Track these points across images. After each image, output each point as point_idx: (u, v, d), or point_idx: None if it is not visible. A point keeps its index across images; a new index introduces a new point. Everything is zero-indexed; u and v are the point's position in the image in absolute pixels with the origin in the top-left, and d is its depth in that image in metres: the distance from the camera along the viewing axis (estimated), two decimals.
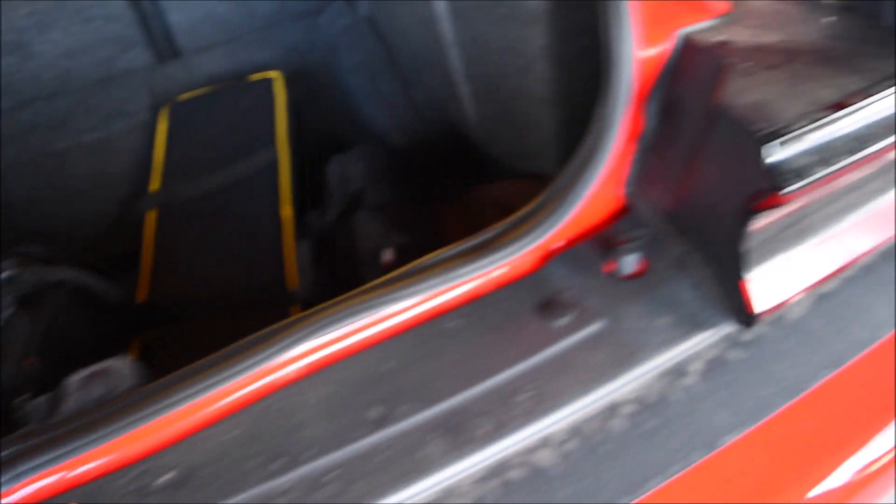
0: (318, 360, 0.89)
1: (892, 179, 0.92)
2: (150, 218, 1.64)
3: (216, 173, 1.70)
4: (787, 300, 0.88)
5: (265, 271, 1.43)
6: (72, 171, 1.93)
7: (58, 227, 1.83)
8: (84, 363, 1.30)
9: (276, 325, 0.91)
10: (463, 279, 0.92)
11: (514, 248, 0.94)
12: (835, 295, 0.91)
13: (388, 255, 1.36)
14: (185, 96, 1.96)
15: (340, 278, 1.39)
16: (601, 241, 0.97)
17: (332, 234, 1.47)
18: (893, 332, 0.90)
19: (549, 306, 0.90)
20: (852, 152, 0.77)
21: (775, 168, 0.75)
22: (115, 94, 2.07)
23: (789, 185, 0.74)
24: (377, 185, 1.49)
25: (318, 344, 0.88)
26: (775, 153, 0.75)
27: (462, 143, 1.65)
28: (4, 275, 1.25)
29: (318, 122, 1.95)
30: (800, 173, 0.75)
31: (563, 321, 0.88)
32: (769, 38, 0.90)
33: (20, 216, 1.85)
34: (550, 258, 0.96)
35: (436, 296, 0.92)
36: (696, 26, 0.92)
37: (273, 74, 1.91)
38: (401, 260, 1.37)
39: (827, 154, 0.76)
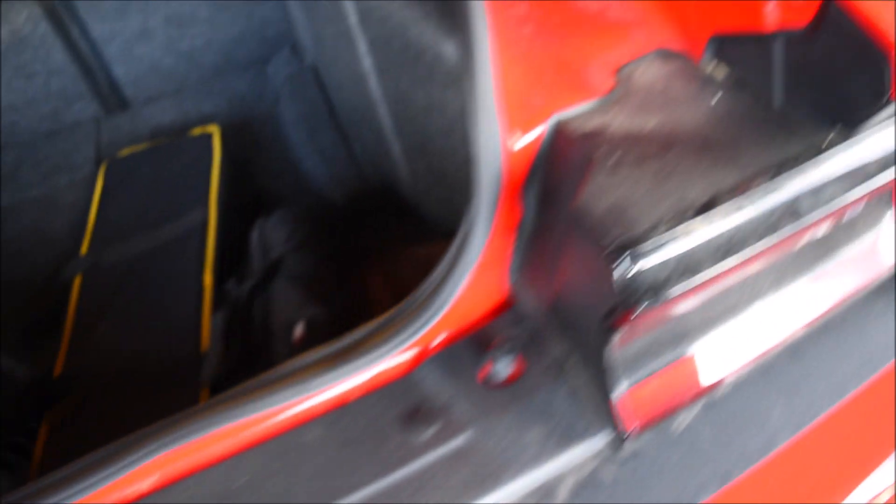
0: (166, 475, 0.83)
1: (789, 272, 0.85)
2: (76, 284, 1.60)
3: (145, 236, 1.65)
4: (671, 409, 0.81)
5: (180, 345, 1.38)
6: (13, 228, 1.89)
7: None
8: None
9: (129, 437, 0.85)
10: (325, 386, 0.85)
11: (383, 350, 0.87)
12: (726, 401, 0.84)
13: (298, 331, 1.30)
14: (124, 152, 1.92)
15: (253, 353, 1.33)
16: (480, 338, 0.90)
17: (247, 304, 1.41)
18: (791, 437, 0.83)
19: (413, 416, 0.84)
20: (721, 259, 0.70)
21: (627, 285, 0.68)
22: (61, 146, 2.04)
23: (642, 304, 0.67)
24: (297, 252, 1.43)
25: (166, 457, 0.82)
26: (626, 268, 0.68)
27: (396, 199, 1.59)
28: None
29: (259, 176, 1.90)
30: (657, 289, 0.68)
31: (426, 434, 0.82)
32: (649, 122, 0.83)
33: None
34: (425, 359, 0.90)
35: (295, 405, 0.86)
36: (571, 111, 0.85)
37: (212, 129, 1.87)
38: (311, 334, 1.32)
39: (691, 264, 0.69)
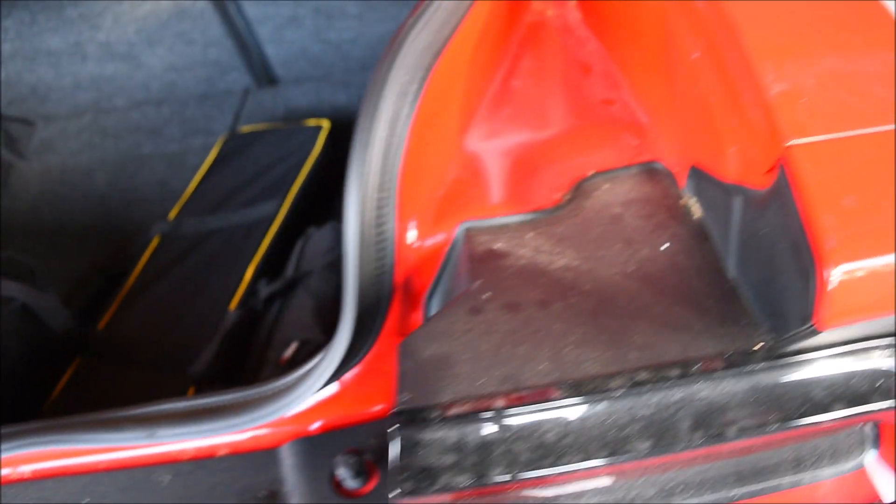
0: (39, 471, 0.86)
1: None
2: (152, 244, 1.71)
3: (226, 214, 1.72)
4: None
5: (199, 331, 1.42)
6: (143, 178, 2.07)
7: (106, 227, 1.97)
8: (9, 378, 1.39)
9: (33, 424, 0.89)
10: (194, 437, 0.83)
11: (259, 415, 0.83)
12: None
13: (288, 351, 1.29)
14: (244, 129, 2.02)
15: (247, 360, 1.34)
16: (352, 435, 0.82)
17: (262, 309, 1.42)
18: None
19: (258, 496, 0.79)
20: (526, 465, 0.57)
21: (396, 463, 0.57)
22: (207, 110, 2.19)
23: (401, 489, 0.56)
24: (326, 270, 1.41)
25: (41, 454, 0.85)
26: (396, 439, 0.57)
27: None
28: None
29: None
30: (430, 477, 0.56)
31: None
32: (561, 259, 0.69)
33: (86, 208, 2.02)
34: (296, 438, 0.84)
35: (161, 445, 0.84)
36: (487, 221, 0.74)
37: (323, 123, 1.90)
38: (298, 357, 1.30)
39: (483, 458, 0.57)
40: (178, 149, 2.14)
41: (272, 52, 2.16)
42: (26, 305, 1.41)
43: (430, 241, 0.76)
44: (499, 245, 0.71)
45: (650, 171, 0.78)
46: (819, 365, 0.58)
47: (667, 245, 0.69)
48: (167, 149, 2.15)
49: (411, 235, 0.76)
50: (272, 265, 1.57)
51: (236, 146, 1.95)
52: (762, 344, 0.58)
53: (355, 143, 0.70)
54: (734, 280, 0.65)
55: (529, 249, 0.70)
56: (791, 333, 0.55)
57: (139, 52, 2.13)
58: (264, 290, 1.45)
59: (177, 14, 2.04)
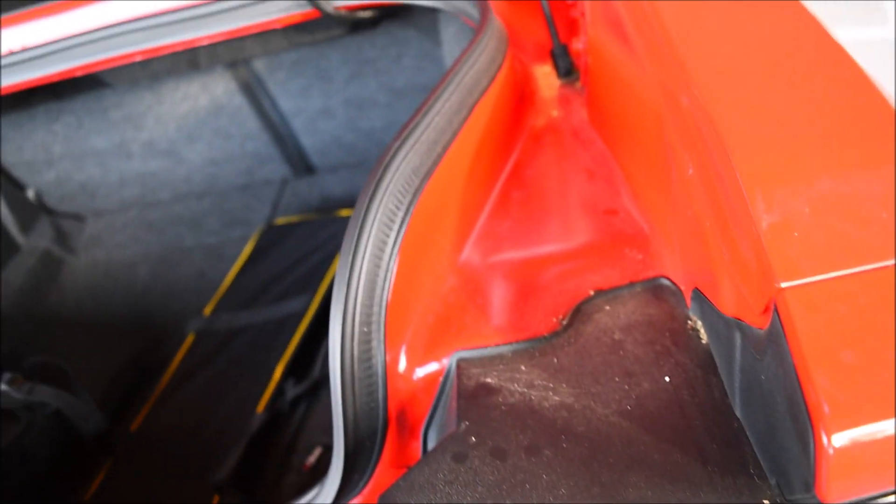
0: None
1: None
2: (188, 341, 1.72)
3: (260, 309, 1.73)
4: None
5: (227, 434, 1.41)
6: (183, 271, 2.10)
7: (145, 321, 2.00)
8: (39, 484, 1.40)
9: None
10: None
11: None
12: None
13: (312, 458, 1.26)
14: (279, 221, 2.04)
15: (270, 464, 1.32)
16: None
17: (289, 411, 1.40)
18: None
19: None
20: None
21: None
22: (246, 201, 2.23)
23: None
24: None
25: None
26: None
27: None
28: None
29: None
30: None
31: None
32: (555, 395, 0.65)
33: (127, 302, 2.06)
34: None
35: None
36: (479, 351, 0.70)
37: None
38: (321, 465, 1.27)
39: None
40: (218, 241, 2.18)
41: (307, 142, 2.20)
42: (60, 411, 1.43)
43: (422, 372, 0.73)
44: (490, 380, 0.67)
45: (655, 289, 0.73)
46: None
47: (668, 378, 0.64)
48: (207, 241, 2.19)
49: (403, 366, 0.73)
50: (302, 363, 1.55)
51: (271, 239, 1.97)
52: None
53: (337, 279, 0.68)
54: (741, 420, 0.59)
55: (522, 384, 0.66)
56: (796, 497, 0.49)
57: (180, 148, 2.19)
58: (291, 391, 1.43)
59: (214, 111, 2.11)
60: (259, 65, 2.02)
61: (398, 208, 0.72)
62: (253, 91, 2.07)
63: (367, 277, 0.69)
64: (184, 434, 1.46)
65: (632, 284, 0.74)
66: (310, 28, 1.67)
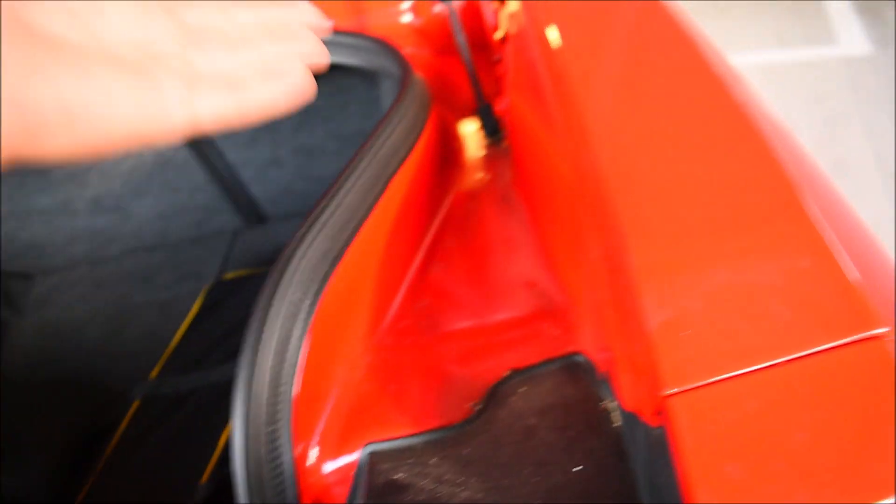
0: None
1: None
2: (132, 409, 1.68)
3: (207, 370, 1.69)
4: None
5: None
6: (133, 329, 2.06)
7: (92, 386, 1.95)
8: None
9: None
10: None
11: None
12: None
13: None
14: (228, 276, 2.01)
15: None
16: None
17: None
18: None
19: None
20: None
21: None
22: (198, 254, 2.20)
23: None
24: None
25: None
26: None
27: None
28: None
29: None
30: None
31: None
32: (463, 490, 0.63)
33: (75, 365, 2.01)
34: None
35: None
36: (390, 443, 0.68)
37: None
38: None
39: None
40: (169, 296, 2.14)
41: (258, 192, 2.18)
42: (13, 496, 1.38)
43: (334, 466, 0.70)
44: (399, 476, 0.65)
45: (571, 366, 0.72)
46: None
47: (580, 468, 0.62)
48: (158, 296, 2.15)
49: (314, 460, 0.70)
50: None
51: (220, 295, 1.94)
52: None
53: (238, 380, 0.65)
54: None
55: (431, 480, 0.64)
56: None
57: (127, 203, 2.16)
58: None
59: (160, 165, 2.08)
60: None
61: (304, 298, 0.70)
62: (198, 144, 2.05)
63: (272, 374, 0.67)
64: None
65: (548, 362, 0.73)
66: None
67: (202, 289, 2.04)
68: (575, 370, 0.71)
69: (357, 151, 0.85)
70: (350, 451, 0.70)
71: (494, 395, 0.71)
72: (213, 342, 1.76)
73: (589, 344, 0.72)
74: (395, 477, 0.65)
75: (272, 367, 0.67)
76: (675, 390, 0.48)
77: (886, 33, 3.88)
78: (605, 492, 0.60)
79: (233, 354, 1.59)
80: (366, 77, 1.94)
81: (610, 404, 0.67)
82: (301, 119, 2.02)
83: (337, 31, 1.21)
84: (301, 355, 0.69)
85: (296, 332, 0.69)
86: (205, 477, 1.38)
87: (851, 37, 3.94)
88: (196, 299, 2.01)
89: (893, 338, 0.49)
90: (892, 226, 2.66)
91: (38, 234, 2.25)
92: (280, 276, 0.70)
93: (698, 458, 0.45)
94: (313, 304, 0.70)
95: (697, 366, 0.48)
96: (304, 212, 2.05)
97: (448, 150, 1.04)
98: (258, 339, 0.66)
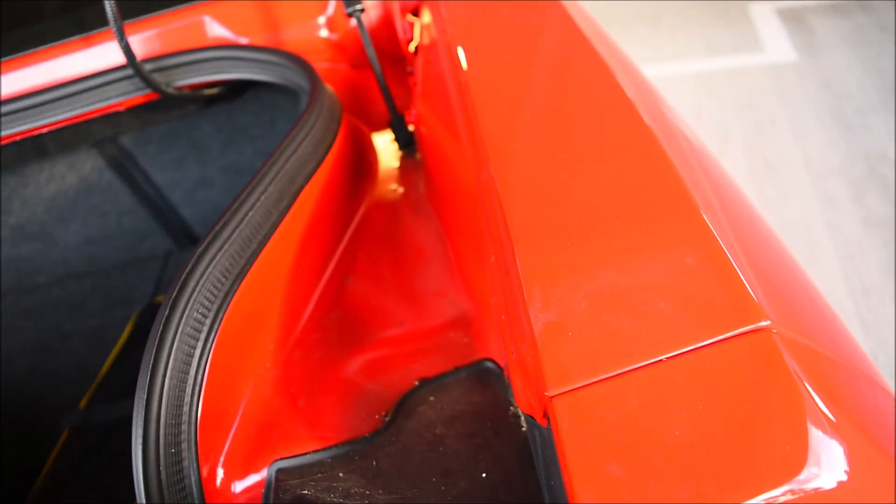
0: None
1: None
2: (61, 440, 1.62)
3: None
4: None
5: None
6: (62, 360, 2.00)
7: (21, 420, 1.88)
8: None
9: None
10: None
11: None
12: None
13: None
14: (160, 299, 1.96)
15: None
16: None
17: None
18: None
19: None
20: None
21: None
22: (129, 279, 2.14)
23: None
24: None
25: None
26: None
27: None
28: None
29: None
30: None
31: None
32: (370, 501, 0.62)
33: (3, 399, 1.94)
34: None
35: None
36: (297, 459, 0.67)
37: None
38: None
39: None
40: (99, 324, 2.08)
41: (188, 213, 2.14)
42: None
43: (242, 486, 0.69)
44: (306, 491, 0.64)
45: (480, 373, 0.72)
46: None
47: (486, 475, 0.62)
48: (88, 324, 2.09)
49: (221, 480, 0.69)
50: None
51: (151, 319, 1.89)
52: None
53: (135, 402, 0.64)
54: None
55: (339, 495, 0.63)
56: None
57: (52, 229, 2.10)
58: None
59: (85, 190, 2.03)
60: (126, 140, 1.96)
61: (205, 317, 0.69)
62: (124, 166, 2.00)
63: (171, 395, 0.65)
64: None
65: (457, 370, 0.73)
66: (161, 106, 1.62)
67: (132, 313, 2.00)
68: (484, 376, 0.72)
69: (262, 166, 0.84)
70: (258, 469, 0.69)
71: (403, 405, 0.71)
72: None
73: (496, 349, 0.72)
74: (303, 492, 0.64)
75: (171, 388, 0.65)
76: (557, 391, 0.48)
77: (810, 40, 4.03)
78: (510, 497, 0.60)
79: None
80: (292, 94, 1.93)
81: (517, 409, 0.67)
82: (229, 138, 2.00)
83: (248, 47, 1.20)
84: (204, 376, 0.68)
85: (196, 353, 0.67)
86: None
87: (777, 44, 4.08)
88: (125, 326, 1.96)
89: (777, 331, 0.50)
90: (819, 221, 2.75)
91: None
92: (178, 295, 0.68)
93: (580, 458, 0.45)
94: (215, 323, 0.69)
95: (579, 366, 0.49)
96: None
97: (362, 162, 1.04)
98: (156, 361, 0.65)
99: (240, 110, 1.93)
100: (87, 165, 1.99)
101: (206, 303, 0.70)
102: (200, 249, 0.72)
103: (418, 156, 1.05)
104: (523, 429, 0.66)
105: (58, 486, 1.52)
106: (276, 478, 0.67)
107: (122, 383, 1.73)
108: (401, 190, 0.99)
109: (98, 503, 1.42)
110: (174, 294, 0.68)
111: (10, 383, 2.01)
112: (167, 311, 0.67)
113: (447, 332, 0.76)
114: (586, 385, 0.48)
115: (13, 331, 2.15)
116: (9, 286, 2.21)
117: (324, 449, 0.68)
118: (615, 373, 0.49)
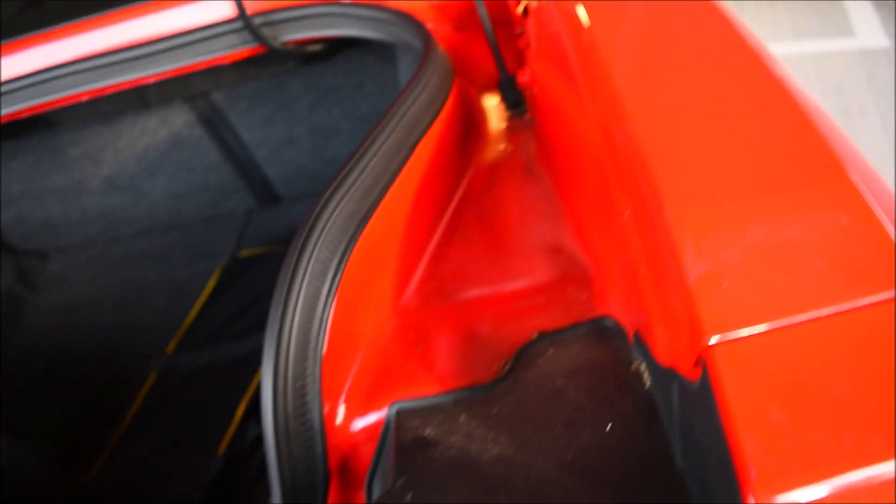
0: None
1: None
2: (149, 382, 1.68)
3: (221, 347, 1.70)
4: None
5: (187, 482, 1.37)
6: (147, 308, 2.06)
7: (108, 362, 1.95)
8: None
9: None
10: None
11: None
12: None
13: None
14: (243, 254, 2.01)
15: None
16: None
17: (248, 452, 1.37)
18: None
19: None
20: None
21: None
22: (211, 234, 2.20)
23: None
24: None
25: None
26: None
27: None
28: None
29: None
30: None
31: None
32: (493, 447, 0.63)
33: (90, 342, 2.02)
34: None
35: None
36: (418, 401, 0.68)
37: None
38: None
39: None
40: (183, 275, 2.14)
41: (272, 172, 2.18)
42: (8, 462, 1.39)
43: (362, 423, 0.70)
44: (428, 432, 0.65)
45: (599, 330, 0.72)
46: None
47: (610, 426, 0.62)
48: (172, 276, 2.15)
49: (342, 418, 0.70)
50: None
51: (235, 273, 1.94)
52: None
53: (266, 334, 0.65)
54: (682, 470, 0.57)
55: (460, 437, 0.64)
56: None
57: (142, 182, 2.16)
58: (253, 430, 1.40)
59: (175, 144, 2.08)
60: (218, 97, 2.00)
61: (332, 257, 0.70)
62: (213, 123, 2.05)
63: (300, 331, 0.67)
64: (143, 480, 1.43)
65: (576, 326, 0.72)
66: (261, 62, 1.65)
67: (215, 268, 2.05)
68: (603, 334, 0.71)
69: (380, 118, 0.85)
70: (377, 409, 0.70)
71: (522, 356, 0.71)
72: (229, 318, 1.76)
73: (618, 308, 0.72)
74: (424, 433, 0.65)
75: (300, 324, 0.67)
76: (718, 338, 0.47)
77: None
78: (635, 450, 0.60)
79: (249, 330, 1.60)
80: (382, 57, 1.94)
81: (641, 366, 0.67)
82: (316, 99, 2.02)
83: (356, 4, 1.20)
84: (329, 314, 0.69)
85: (323, 292, 0.69)
86: (222, 448, 1.39)
87: (869, 29, 3.91)
88: (209, 279, 2.01)
89: None
90: None
91: (52, 214, 2.25)
92: (308, 234, 0.70)
93: (743, 405, 0.44)
94: (341, 263, 0.70)
95: (739, 316, 0.48)
96: (318, 192, 2.05)
97: (470, 122, 1.04)
98: (287, 295, 0.66)
99: (330, 72, 1.95)
100: (179, 120, 2.03)
101: (333, 243, 0.71)
102: (328, 192, 0.73)
103: (527, 116, 1.04)
104: (646, 387, 0.65)
105: (144, 425, 1.58)
106: (397, 418, 0.68)
107: (206, 332, 1.78)
108: (509, 150, 0.99)
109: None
110: (305, 233, 0.70)
111: (97, 327, 2.09)
112: (298, 248, 0.68)
113: (565, 287, 0.76)
114: (746, 335, 0.47)
115: (100, 279, 2.23)
116: (97, 236, 2.29)
117: (444, 393, 0.69)
118: (775, 325, 0.48)
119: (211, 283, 1.92)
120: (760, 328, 0.48)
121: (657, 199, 0.58)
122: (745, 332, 0.48)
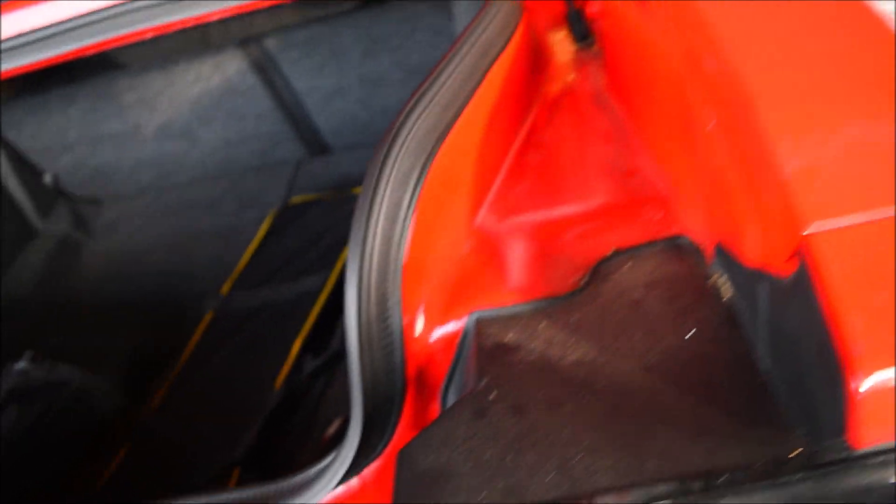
0: None
1: None
2: (205, 320, 1.73)
3: (277, 287, 1.73)
4: None
5: (245, 414, 1.41)
6: (200, 254, 2.10)
7: (164, 304, 2.00)
8: (61, 462, 1.41)
9: None
10: None
11: None
12: None
13: (331, 429, 1.26)
14: (295, 200, 2.04)
15: (291, 438, 1.32)
16: None
17: (307, 384, 1.40)
18: None
19: None
20: None
21: None
22: (261, 182, 2.23)
23: None
24: None
25: None
26: None
27: None
28: (18, 367, 1.40)
29: None
30: None
31: None
32: (575, 351, 0.64)
33: (146, 285, 2.07)
34: None
35: None
36: (498, 310, 0.70)
37: None
38: (339, 436, 1.27)
39: None
40: (234, 223, 2.17)
41: (321, 121, 2.19)
42: (80, 389, 1.44)
43: (440, 332, 0.72)
44: (509, 338, 0.67)
45: (675, 248, 0.72)
46: (867, 475, 0.50)
47: (692, 333, 0.63)
48: (223, 223, 2.19)
49: (420, 327, 0.72)
50: (319, 338, 1.55)
51: (287, 218, 1.97)
52: (797, 451, 0.51)
53: (351, 239, 0.67)
54: (766, 373, 0.58)
55: (541, 342, 0.66)
56: (826, 444, 0.48)
57: (195, 130, 2.19)
58: (309, 364, 1.43)
59: (227, 92, 2.10)
60: (271, 43, 2.01)
61: (413, 169, 0.71)
62: (265, 70, 2.06)
63: (383, 238, 0.68)
64: (203, 411, 1.47)
65: (651, 243, 0.73)
66: (321, 2, 1.66)
67: (266, 216, 2.08)
68: (679, 250, 0.72)
69: (453, 43, 0.85)
70: (455, 319, 0.72)
71: (598, 270, 0.72)
72: (282, 261, 1.80)
73: (695, 225, 0.72)
74: (505, 339, 0.67)
75: (383, 231, 0.68)
76: (818, 226, 0.48)
77: None
78: (718, 355, 0.61)
79: (301, 272, 1.63)
80: (435, 5, 1.93)
81: (718, 280, 0.67)
82: (367, 47, 2.02)
83: None
84: (410, 224, 0.70)
85: (405, 201, 0.70)
86: (278, 383, 1.43)
87: None
88: (260, 225, 2.04)
89: None
90: None
91: (108, 160, 2.30)
92: (391, 144, 0.71)
93: (844, 289, 0.45)
94: (422, 175, 0.72)
95: (837, 205, 0.49)
96: (367, 142, 2.05)
97: (538, 53, 1.04)
98: (371, 201, 0.68)
99: (381, 19, 1.95)
100: (232, 67, 2.05)
101: (414, 154, 0.72)
102: (409, 106, 0.74)
103: (595, 48, 1.04)
104: (724, 298, 0.66)
105: (202, 361, 1.62)
106: (477, 325, 0.70)
107: (260, 274, 1.82)
108: (579, 81, 0.99)
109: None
110: (388, 141, 0.71)
111: (151, 272, 2.13)
112: (382, 156, 0.70)
113: (640, 207, 0.77)
114: (844, 223, 0.48)
115: (153, 226, 2.28)
116: (150, 183, 2.34)
117: (522, 303, 0.71)
118: (872, 215, 0.48)
119: (263, 229, 1.96)
120: (857, 218, 0.48)
121: (749, 105, 0.58)
122: (843, 220, 0.48)
